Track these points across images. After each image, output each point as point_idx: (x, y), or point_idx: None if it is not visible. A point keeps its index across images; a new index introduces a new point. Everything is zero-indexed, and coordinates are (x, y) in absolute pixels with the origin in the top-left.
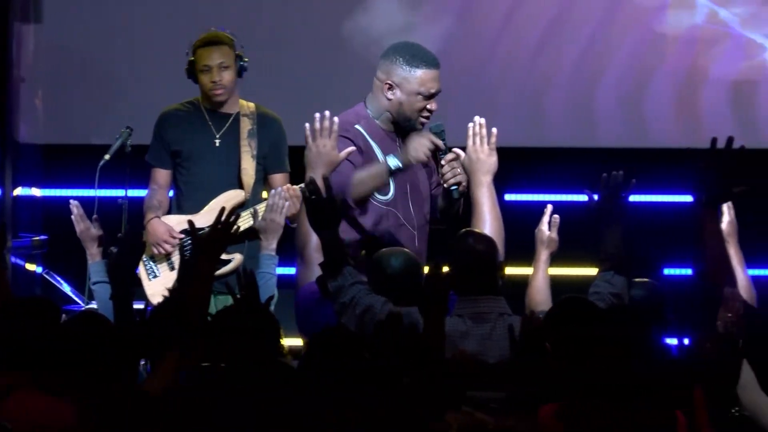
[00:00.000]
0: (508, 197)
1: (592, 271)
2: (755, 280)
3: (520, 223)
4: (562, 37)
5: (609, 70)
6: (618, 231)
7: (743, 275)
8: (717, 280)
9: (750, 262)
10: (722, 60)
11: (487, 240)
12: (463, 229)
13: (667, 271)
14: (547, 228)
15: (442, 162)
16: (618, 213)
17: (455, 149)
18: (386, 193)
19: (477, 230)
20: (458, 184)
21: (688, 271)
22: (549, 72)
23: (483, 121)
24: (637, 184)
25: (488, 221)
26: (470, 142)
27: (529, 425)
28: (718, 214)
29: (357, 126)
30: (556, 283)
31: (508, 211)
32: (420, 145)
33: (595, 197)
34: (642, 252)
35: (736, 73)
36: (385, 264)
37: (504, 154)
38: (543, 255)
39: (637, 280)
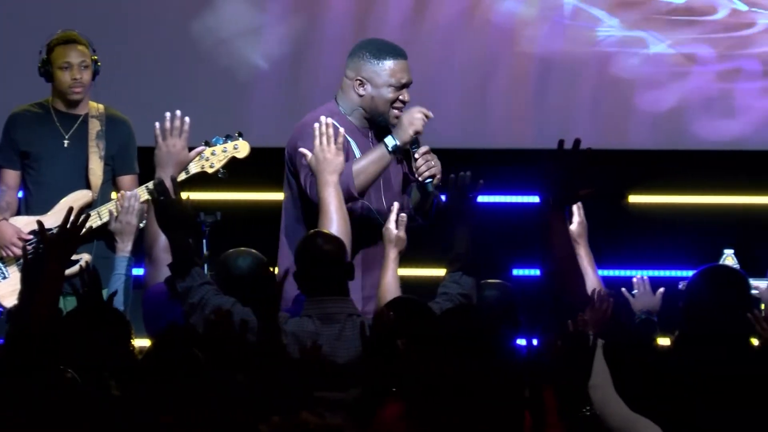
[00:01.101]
0: None
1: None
2: (605, 280)
3: None
4: (416, 36)
5: (452, 69)
6: (467, 232)
7: (593, 276)
8: (565, 280)
9: (600, 262)
10: (569, 61)
11: (335, 240)
12: (311, 230)
13: (515, 272)
14: (394, 227)
15: (416, 155)
16: (466, 213)
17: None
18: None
19: (325, 230)
20: (432, 177)
21: (536, 272)
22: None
23: (330, 120)
24: (484, 185)
25: (335, 221)
26: (317, 142)
27: (366, 425)
28: (566, 215)
29: (331, 120)
30: (426, 283)
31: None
32: (413, 119)
33: (443, 198)
34: (490, 252)
35: (584, 73)
36: (231, 265)
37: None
38: (392, 254)
39: (490, 281)
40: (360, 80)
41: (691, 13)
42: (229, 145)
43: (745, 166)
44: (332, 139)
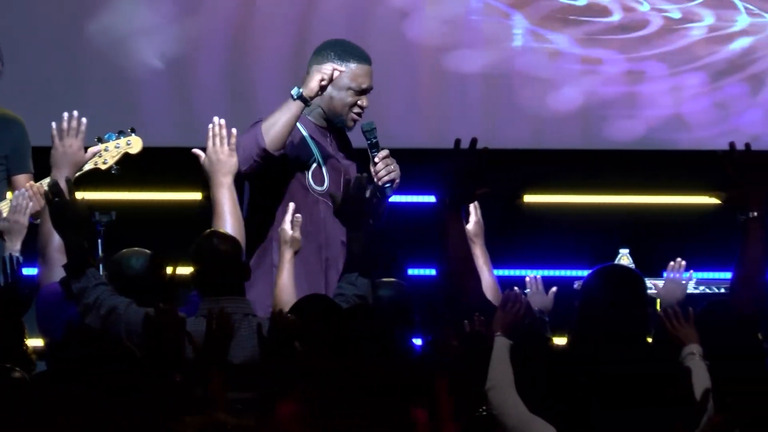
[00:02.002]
0: None
1: None
2: (501, 280)
3: None
4: (310, 36)
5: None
6: (362, 233)
7: (489, 275)
8: (460, 280)
9: (496, 262)
10: (467, 58)
11: (231, 240)
12: (207, 230)
13: (411, 272)
14: (289, 227)
15: (375, 159)
16: (362, 215)
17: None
18: (321, 184)
19: (220, 230)
20: (392, 181)
21: (432, 272)
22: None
23: (223, 121)
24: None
25: (229, 222)
26: (210, 143)
27: (269, 424)
28: (463, 215)
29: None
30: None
31: None
32: (322, 69)
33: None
34: (387, 253)
35: (482, 70)
36: (125, 265)
37: None
38: (287, 254)
39: (384, 280)
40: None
41: (592, 13)
42: (122, 141)
43: (640, 165)
44: (225, 140)
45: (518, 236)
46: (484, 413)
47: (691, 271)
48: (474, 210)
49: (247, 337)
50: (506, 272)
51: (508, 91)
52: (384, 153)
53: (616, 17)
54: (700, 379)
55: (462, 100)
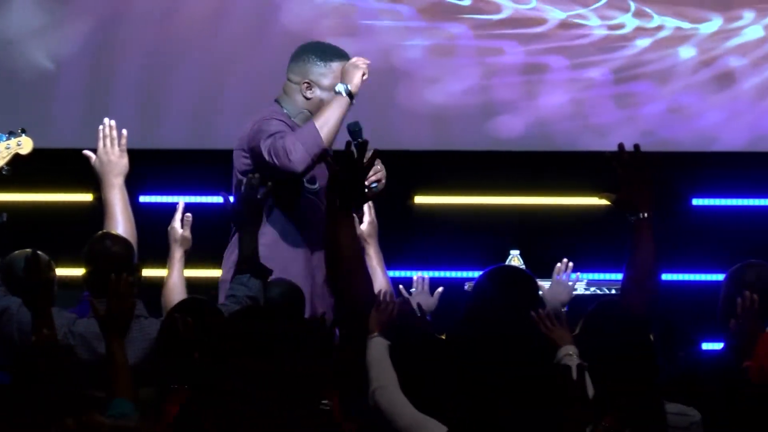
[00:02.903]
0: (142, 199)
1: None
2: (395, 280)
3: (154, 225)
4: (217, 35)
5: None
6: (254, 234)
7: (382, 276)
8: (352, 280)
9: (390, 263)
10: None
11: (123, 241)
12: (100, 231)
13: None
14: (179, 226)
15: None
16: (254, 216)
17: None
18: (314, 182)
19: (113, 232)
20: (378, 181)
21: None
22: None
23: (113, 123)
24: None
25: (121, 222)
26: (100, 144)
27: (153, 426)
28: (358, 215)
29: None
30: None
31: (142, 213)
32: (357, 64)
33: (231, 200)
34: None
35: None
36: (16, 266)
37: (138, 156)
38: (177, 253)
39: (274, 280)
40: (308, 83)
41: (478, 10)
42: (13, 141)
43: (531, 166)
44: (116, 141)
45: (409, 237)
46: (327, 407)
47: (579, 273)
48: (368, 210)
49: (139, 338)
50: (401, 273)
51: (395, 90)
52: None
53: (506, 13)
54: (584, 378)
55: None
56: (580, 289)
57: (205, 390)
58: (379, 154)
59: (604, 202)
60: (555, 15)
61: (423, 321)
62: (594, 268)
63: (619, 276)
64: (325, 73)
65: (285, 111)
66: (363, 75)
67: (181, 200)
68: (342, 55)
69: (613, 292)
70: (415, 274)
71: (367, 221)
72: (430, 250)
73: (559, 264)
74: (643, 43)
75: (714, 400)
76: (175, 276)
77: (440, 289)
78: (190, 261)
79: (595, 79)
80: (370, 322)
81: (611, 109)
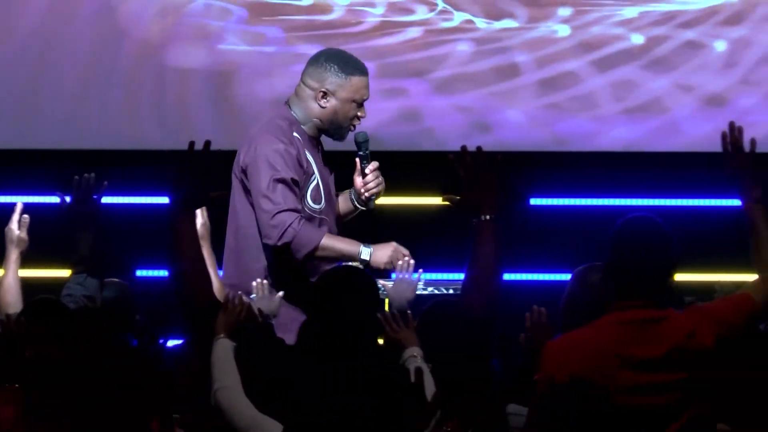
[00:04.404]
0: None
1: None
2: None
3: None
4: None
5: (72, 65)
6: (90, 233)
7: (216, 278)
8: (192, 281)
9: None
10: (184, 56)
11: None
12: None
13: (140, 273)
14: (16, 227)
15: (366, 171)
16: (90, 215)
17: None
18: (319, 202)
19: None
20: (377, 193)
21: (164, 273)
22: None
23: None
24: (109, 186)
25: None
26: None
27: None
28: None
29: (295, 134)
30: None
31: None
32: (396, 258)
33: (68, 199)
34: (115, 253)
35: (202, 67)
36: None
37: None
38: (13, 254)
39: (108, 280)
40: (324, 92)
41: (312, 11)
42: None
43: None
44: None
45: None
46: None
47: (421, 270)
48: (200, 212)
49: None
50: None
51: (229, 90)
52: (374, 165)
53: (334, 15)
54: (425, 382)
55: (186, 101)
56: (418, 288)
57: (36, 389)
58: (223, 154)
59: (446, 203)
60: (371, 19)
61: (265, 324)
62: (432, 268)
63: (457, 276)
64: (343, 85)
65: (293, 114)
66: (390, 263)
67: (20, 201)
68: (363, 70)
69: (451, 291)
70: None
71: (200, 223)
72: None
73: (400, 262)
74: (461, 46)
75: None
76: (10, 277)
77: (281, 293)
78: (26, 261)
79: (416, 82)
80: (217, 324)
81: (444, 113)
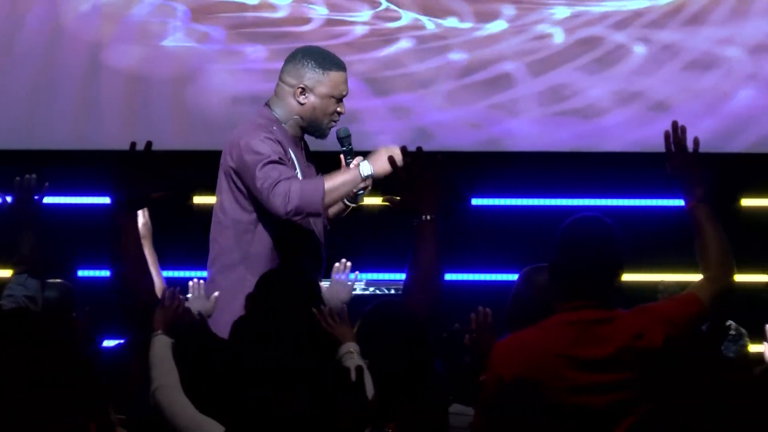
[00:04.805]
0: None
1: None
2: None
3: None
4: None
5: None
6: (32, 234)
7: (158, 277)
8: (134, 281)
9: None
10: (138, 58)
11: None
12: None
13: (82, 273)
14: None
15: (351, 166)
16: (32, 216)
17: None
18: None
19: None
20: (365, 188)
21: (106, 273)
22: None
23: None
24: (51, 186)
25: None
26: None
27: None
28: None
29: (275, 128)
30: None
31: None
32: (394, 153)
33: (9, 199)
34: (56, 253)
35: (139, 66)
36: None
37: None
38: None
39: (50, 281)
40: (302, 88)
41: (257, 8)
42: None
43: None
44: None
45: (187, 238)
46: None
47: (357, 272)
48: (142, 212)
49: None
50: (175, 273)
51: (181, 91)
52: (358, 160)
53: (281, 13)
54: (362, 378)
55: (141, 101)
56: (359, 289)
57: None
58: (167, 154)
59: (387, 204)
60: (317, 17)
61: (202, 324)
62: (373, 268)
63: (399, 276)
64: (321, 80)
65: (275, 114)
66: (392, 163)
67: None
68: (340, 65)
69: (393, 292)
70: (192, 275)
71: (141, 222)
72: (205, 249)
73: (337, 264)
74: (403, 44)
75: None
76: None
77: (216, 293)
78: None
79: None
80: (155, 320)
81: (382, 114)
